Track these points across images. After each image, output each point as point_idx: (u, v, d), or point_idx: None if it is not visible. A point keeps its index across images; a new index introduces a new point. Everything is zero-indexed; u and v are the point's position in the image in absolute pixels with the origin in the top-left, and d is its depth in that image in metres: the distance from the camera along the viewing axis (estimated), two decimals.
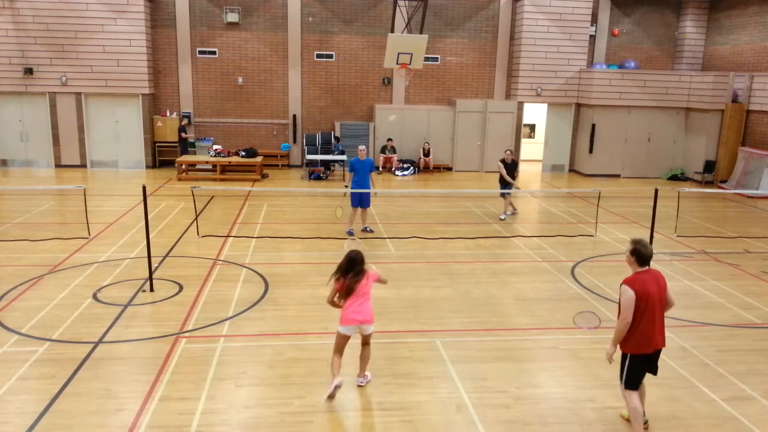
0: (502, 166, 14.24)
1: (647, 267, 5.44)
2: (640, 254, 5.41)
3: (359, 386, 6.38)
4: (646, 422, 5.74)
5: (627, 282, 5.37)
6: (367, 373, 6.48)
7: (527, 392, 6.37)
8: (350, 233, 12.14)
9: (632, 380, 5.50)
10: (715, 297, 9.34)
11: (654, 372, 5.60)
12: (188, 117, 20.45)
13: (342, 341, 6.17)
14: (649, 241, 8.49)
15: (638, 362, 5.46)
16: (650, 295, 5.33)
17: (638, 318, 5.34)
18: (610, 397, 6.28)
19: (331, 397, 6.01)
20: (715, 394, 6.39)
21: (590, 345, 7.52)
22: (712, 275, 10.37)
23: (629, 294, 5.30)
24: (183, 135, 19.94)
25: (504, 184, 14.31)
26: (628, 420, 5.73)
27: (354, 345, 6.44)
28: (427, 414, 5.93)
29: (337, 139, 19.89)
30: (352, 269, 6.10)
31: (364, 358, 6.40)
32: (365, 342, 6.35)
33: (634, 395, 5.51)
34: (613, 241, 12.46)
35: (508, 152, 14.58)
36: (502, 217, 14.14)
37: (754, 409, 6.14)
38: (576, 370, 6.89)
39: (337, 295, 6.19)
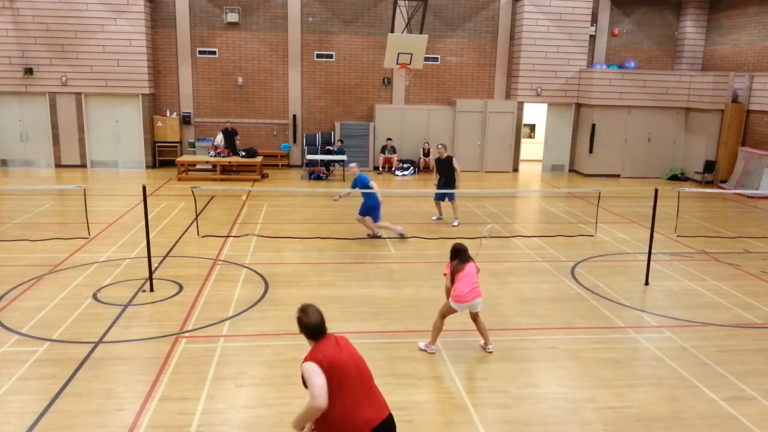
0: (435, 164, 13.36)
1: (325, 335, 4.16)
2: (303, 325, 4.14)
3: (488, 352, 7.22)
4: None
5: (309, 358, 4.01)
6: (490, 345, 7.27)
7: (527, 392, 6.37)
8: (374, 235, 12.19)
9: None
10: (715, 297, 9.35)
11: None
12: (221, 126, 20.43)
13: (450, 311, 7.11)
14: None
15: None
16: (344, 367, 4.02)
17: (334, 400, 3.93)
18: (610, 397, 6.28)
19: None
20: (715, 394, 6.39)
21: (590, 345, 7.54)
22: (712, 275, 10.37)
23: (314, 371, 3.93)
24: (236, 138, 19.52)
25: (439, 186, 13.29)
26: None
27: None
28: (427, 414, 5.93)
29: (341, 141, 19.87)
30: (457, 256, 7.08)
31: (482, 331, 7.25)
32: (475, 318, 7.21)
33: None
34: (613, 241, 12.46)
35: (441, 146, 13.30)
36: (455, 223, 13.30)
37: (754, 409, 6.14)
38: (576, 370, 6.89)
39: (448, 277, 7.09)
